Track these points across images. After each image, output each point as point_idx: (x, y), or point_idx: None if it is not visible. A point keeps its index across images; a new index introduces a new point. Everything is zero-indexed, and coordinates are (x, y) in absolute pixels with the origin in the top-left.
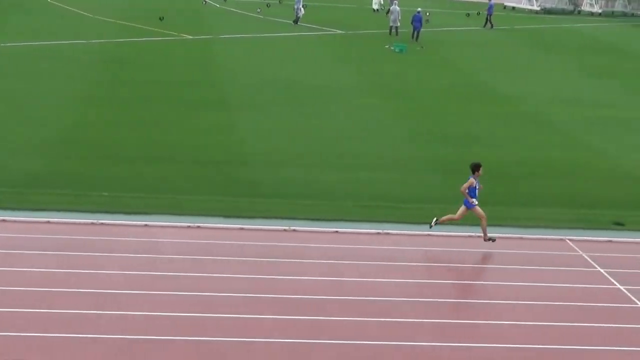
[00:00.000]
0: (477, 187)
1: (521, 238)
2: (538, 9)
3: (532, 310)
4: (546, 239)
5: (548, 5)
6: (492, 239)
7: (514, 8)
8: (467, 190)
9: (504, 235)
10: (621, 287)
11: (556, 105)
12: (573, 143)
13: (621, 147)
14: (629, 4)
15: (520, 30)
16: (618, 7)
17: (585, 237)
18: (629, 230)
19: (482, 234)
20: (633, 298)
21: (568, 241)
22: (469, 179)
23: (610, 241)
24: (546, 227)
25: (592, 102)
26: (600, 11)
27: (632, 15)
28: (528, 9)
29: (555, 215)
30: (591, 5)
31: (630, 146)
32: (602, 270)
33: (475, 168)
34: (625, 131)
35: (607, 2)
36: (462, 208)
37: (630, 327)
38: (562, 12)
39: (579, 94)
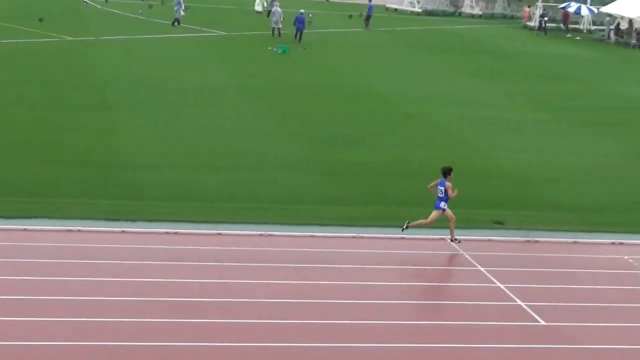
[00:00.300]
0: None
1: (402, 238)
2: (420, 10)
3: (413, 309)
4: (427, 239)
5: (429, 7)
6: (458, 240)
7: (396, 10)
8: (442, 194)
9: (384, 235)
10: (501, 286)
11: (437, 105)
12: (453, 143)
13: (501, 146)
14: (509, 6)
15: (402, 32)
16: (498, 9)
17: (466, 237)
18: (508, 229)
19: (449, 235)
20: (513, 296)
21: (449, 240)
22: (442, 182)
23: (490, 240)
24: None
25: (473, 102)
26: (480, 13)
27: (512, 17)
28: (410, 11)
29: None
30: (472, 7)
31: (510, 146)
32: (482, 269)
33: (447, 172)
34: (505, 131)
35: (487, 5)
36: (435, 212)
37: (509, 324)
38: (443, 13)
39: (460, 95)
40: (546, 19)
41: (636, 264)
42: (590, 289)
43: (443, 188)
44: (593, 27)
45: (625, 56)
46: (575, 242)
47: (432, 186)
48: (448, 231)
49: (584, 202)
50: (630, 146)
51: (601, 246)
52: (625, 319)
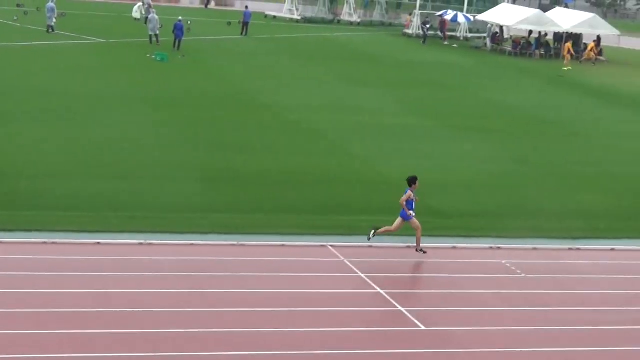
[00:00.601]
0: (413, 200)
1: (283, 245)
2: (299, 18)
3: (292, 316)
4: (308, 246)
5: (308, 15)
6: (424, 251)
7: (275, 17)
8: (405, 203)
9: (266, 243)
10: (381, 291)
11: (318, 112)
12: (334, 150)
13: (381, 153)
14: (387, 13)
15: (282, 39)
16: (376, 16)
17: (346, 243)
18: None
19: (416, 244)
20: (393, 302)
21: (330, 247)
22: (406, 191)
23: (370, 246)
24: (308, 233)
25: (354, 109)
26: (359, 21)
27: (390, 24)
28: (289, 18)
29: (318, 222)
30: (350, 15)
31: (390, 152)
32: (362, 275)
33: (412, 181)
34: (385, 137)
35: (366, 12)
36: (399, 220)
37: (390, 330)
38: (323, 21)
39: (341, 102)
40: (428, 26)
41: (514, 268)
42: (469, 294)
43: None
44: (470, 35)
45: (502, 63)
46: (454, 247)
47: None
48: (328, 239)
49: (463, 208)
50: (507, 152)
51: (479, 251)
52: (504, 322)
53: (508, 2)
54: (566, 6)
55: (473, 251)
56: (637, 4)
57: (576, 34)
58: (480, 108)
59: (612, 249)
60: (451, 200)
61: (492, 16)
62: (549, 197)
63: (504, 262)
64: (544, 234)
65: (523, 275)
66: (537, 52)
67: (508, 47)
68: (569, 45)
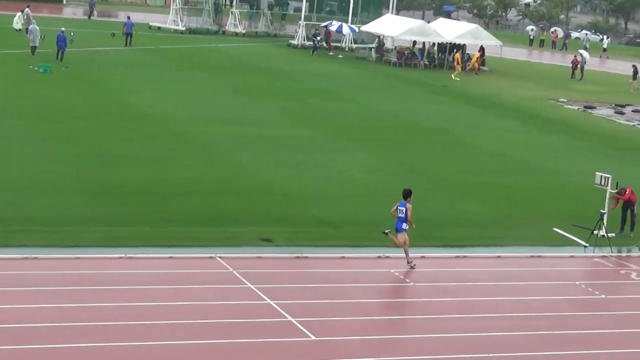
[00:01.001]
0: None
1: (171, 257)
2: (183, 29)
3: (180, 329)
4: (196, 258)
5: (193, 26)
6: (413, 266)
7: (159, 28)
8: (403, 214)
9: (152, 256)
10: (271, 302)
11: (205, 124)
12: (221, 161)
13: (268, 164)
14: (272, 24)
15: (167, 50)
16: (261, 27)
17: (234, 255)
18: (276, 246)
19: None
20: (283, 312)
21: (218, 259)
22: (404, 204)
23: (259, 257)
24: (197, 245)
25: (240, 120)
26: (244, 32)
27: (275, 35)
28: (173, 29)
29: (205, 234)
30: (235, 25)
31: (277, 163)
32: (252, 286)
33: (408, 194)
34: (272, 148)
35: (251, 23)
36: (400, 235)
37: (280, 341)
38: (208, 32)
39: (227, 113)
40: (319, 38)
41: (403, 277)
42: (359, 303)
43: (404, 209)
44: (355, 46)
45: (387, 73)
46: (343, 257)
47: (393, 210)
48: (217, 250)
49: (351, 218)
50: (394, 162)
51: (368, 260)
52: (394, 331)
53: (392, 13)
54: (448, 14)
55: (362, 260)
56: (518, 15)
57: (460, 45)
58: (367, 118)
59: (499, 257)
60: (339, 210)
61: (377, 27)
62: (435, 205)
63: (392, 271)
64: (432, 242)
65: (412, 283)
66: (421, 62)
67: (393, 58)
68: (458, 55)
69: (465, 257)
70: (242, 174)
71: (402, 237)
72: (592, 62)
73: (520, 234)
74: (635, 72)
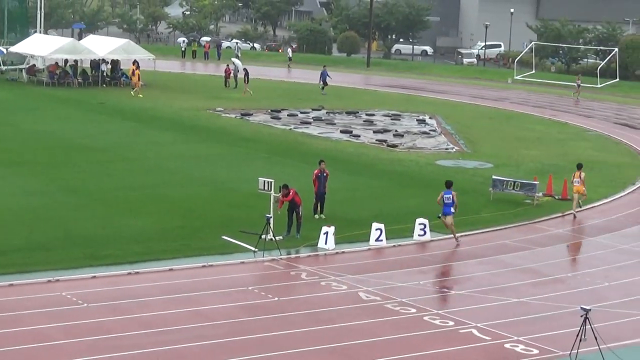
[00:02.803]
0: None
1: None
2: None
3: None
4: None
5: None
6: (459, 243)
7: None
8: (450, 200)
9: None
10: None
11: None
12: None
13: None
14: None
15: None
16: None
17: None
18: None
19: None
20: None
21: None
22: (450, 192)
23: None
24: None
25: None
26: None
27: None
28: None
29: None
30: None
31: None
32: None
33: (451, 184)
34: None
35: None
36: (448, 217)
37: None
38: None
39: None
40: None
41: (75, 299)
42: (32, 330)
43: (450, 196)
44: (4, 68)
45: (41, 94)
46: (11, 285)
47: (439, 199)
48: None
49: (17, 243)
50: (55, 183)
51: (38, 285)
52: (68, 355)
53: (40, 32)
54: (80, 32)
55: (31, 286)
56: (168, 28)
57: (114, 60)
58: (25, 141)
59: (171, 269)
60: (4, 236)
61: (26, 47)
62: (102, 224)
63: (64, 293)
64: (102, 261)
65: (85, 305)
66: (75, 80)
67: (45, 78)
68: (137, 71)
69: (137, 273)
70: None
71: (449, 219)
72: (253, 71)
73: (190, 245)
74: (247, 74)
